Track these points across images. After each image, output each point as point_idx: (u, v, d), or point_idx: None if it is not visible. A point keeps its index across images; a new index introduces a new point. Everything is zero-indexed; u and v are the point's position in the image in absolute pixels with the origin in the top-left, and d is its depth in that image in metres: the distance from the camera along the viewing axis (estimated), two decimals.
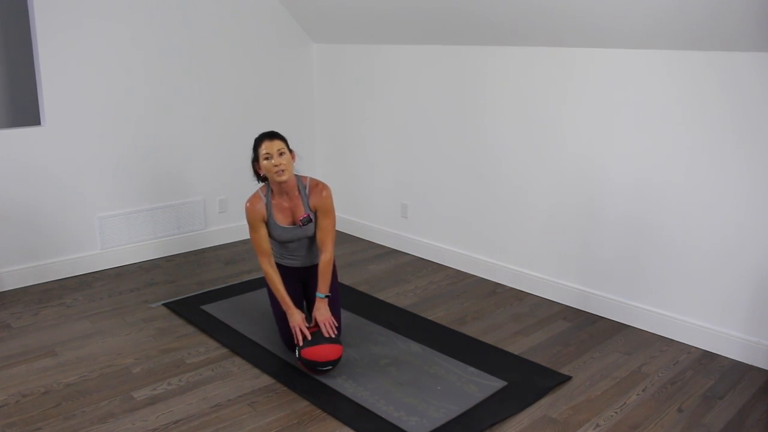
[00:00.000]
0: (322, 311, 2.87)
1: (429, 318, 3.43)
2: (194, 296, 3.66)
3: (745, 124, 2.84)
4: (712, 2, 2.64)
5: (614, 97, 3.25)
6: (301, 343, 2.78)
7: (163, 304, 3.57)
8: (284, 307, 2.88)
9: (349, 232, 4.90)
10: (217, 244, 4.61)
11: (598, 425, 2.50)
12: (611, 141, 3.30)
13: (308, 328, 2.84)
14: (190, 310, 3.48)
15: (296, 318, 2.84)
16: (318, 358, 2.74)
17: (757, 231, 2.89)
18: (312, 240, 3.01)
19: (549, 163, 3.58)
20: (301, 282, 3.09)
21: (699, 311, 3.12)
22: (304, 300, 3.12)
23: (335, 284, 3.04)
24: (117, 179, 4.07)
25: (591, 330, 3.31)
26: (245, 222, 4.70)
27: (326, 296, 2.90)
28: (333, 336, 2.80)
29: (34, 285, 3.83)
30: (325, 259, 2.91)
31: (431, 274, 4.10)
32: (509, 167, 3.77)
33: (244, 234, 4.73)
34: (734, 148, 2.89)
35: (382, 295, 3.74)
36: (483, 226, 3.99)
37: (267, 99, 4.69)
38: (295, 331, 2.82)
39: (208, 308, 3.50)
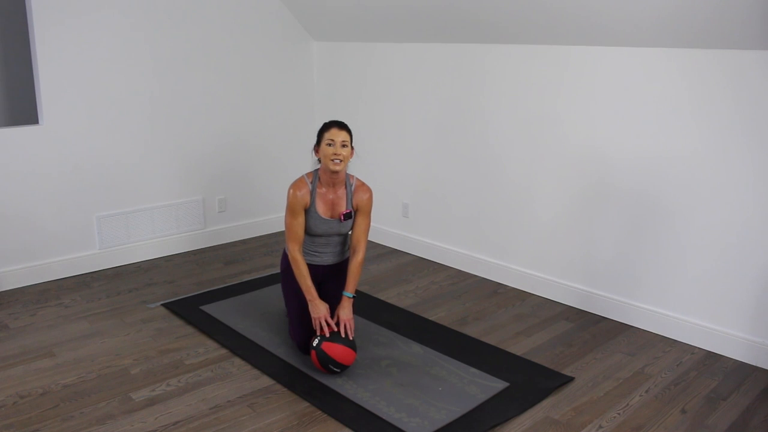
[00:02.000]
0: (346, 311, 2.85)
1: (430, 318, 3.42)
2: (193, 296, 3.64)
3: (751, 124, 2.82)
4: (717, 0, 2.62)
5: (618, 96, 3.23)
6: (327, 334, 2.77)
7: (162, 305, 3.55)
8: (308, 297, 2.85)
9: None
10: (217, 243, 4.59)
11: (600, 427, 2.49)
12: (615, 140, 3.28)
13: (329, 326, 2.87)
14: (189, 310, 3.46)
15: (321, 309, 2.82)
16: (335, 356, 2.73)
17: (762, 230, 2.87)
18: (341, 239, 3.01)
19: (551, 162, 3.56)
20: (317, 283, 3.04)
21: (703, 312, 3.10)
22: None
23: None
24: (115, 178, 4.05)
25: (594, 330, 3.30)
26: (245, 221, 4.70)
27: (353, 296, 2.90)
28: (350, 338, 2.80)
29: (31, 285, 3.81)
30: (358, 259, 2.93)
31: (432, 274, 4.08)
32: (511, 166, 3.75)
33: (244, 234, 4.71)
34: (739, 148, 2.87)
35: (383, 296, 3.72)
36: (485, 226, 3.97)
37: (267, 97, 4.67)
38: (320, 322, 2.80)
39: (208, 309, 3.48)
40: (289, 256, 2.91)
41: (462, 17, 3.62)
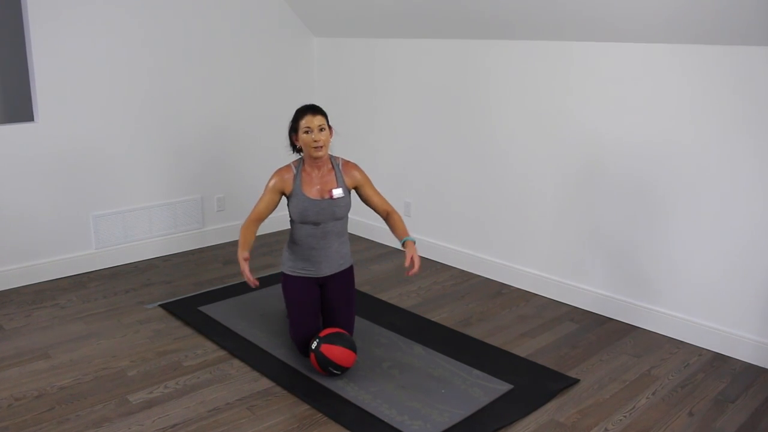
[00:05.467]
0: (413, 250, 2.79)
1: (433, 319, 3.39)
2: (192, 297, 3.61)
3: (759, 121, 2.79)
4: None
5: (624, 93, 3.20)
6: (252, 283, 2.70)
7: (160, 305, 3.51)
8: (239, 250, 2.75)
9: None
10: (215, 243, 4.55)
11: (606, 429, 2.46)
12: (621, 138, 3.25)
13: (328, 327, 2.84)
14: (188, 311, 3.42)
15: (243, 265, 2.71)
16: (334, 358, 2.70)
17: None
18: (339, 229, 2.91)
19: (556, 161, 3.52)
20: (318, 285, 2.97)
21: (710, 312, 3.07)
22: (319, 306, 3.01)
23: (353, 288, 3.01)
24: (112, 177, 4.01)
25: (599, 332, 3.27)
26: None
27: (414, 238, 2.88)
28: (417, 270, 2.75)
29: (27, 285, 3.77)
30: (396, 215, 2.95)
31: (435, 274, 4.05)
32: (515, 164, 3.72)
33: None
34: (747, 146, 2.84)
35: (384, 296, 3.69)
36: (488, 225, 3.93)
37: (267, 93, 4.63)
38: (244, 273, 2.69)
39: (206, 309, 3.44)
40: (243, 225, 2.86)
41: (465, 13, 3.59)
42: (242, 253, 2.73)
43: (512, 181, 3.75)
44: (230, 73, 4.41)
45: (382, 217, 2.99)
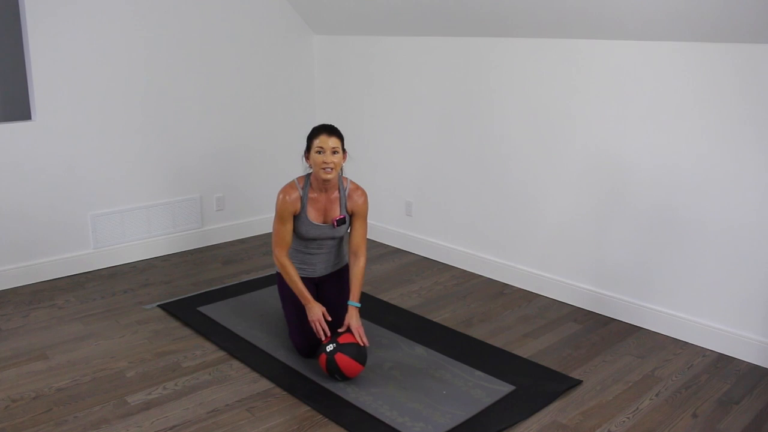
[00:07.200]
0: (355, 319, 2.80)
1: (434, 320, 3.37)
2: (191, 297, 3.59)
3: (764, 120, 2.76)
4: None
5: (628, 91, 3.18)
6: (323, 339, 2.74)
7: (159, 306, 3.50)
8: (303, 301, 2.83)
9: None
10: (215, 243, 4.53)
11: (609, 431, 2.44)
12: (624, 137, 3.23)
13: (339, 335, 2.76)
14: (187, 311, 3.41)
15: (316, 312, 2.79)
16: (344, 367, 2.67)
17: None
18: (335, 242, 2.97)
19: (559, 160, 3.50)
20: (314, 285, 3.02)
21: (714, 313, 3.05)
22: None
23: (348, 285, 2.99)
24: (110, 176, 3.99)
25: (602, 332, 3.25)
26: (244, 220, 4.63)
27: (359, 305, 2.86)
28: (366, 344, 2.75)
29: (24, 285, 3.76)
30: (361, 265, 2.89)
31: (437, 274, 4.03)
32: (517, 163, 3.70)
33: (243, 233, 4.66)
34: (752, 145, 2.82)
35: (385, 296, 3.67)
36: (490, 225, 3.91)
37: (267, 92, 4.61)
38: (316, 327, 2.77)
39: (205, 310, 3.42)
40: (276, 262, 2.87)
41: (467, 10, 3.57)
42: (318, 306, 2.80)
43: (514, 180, 3.73)
44: (229, 70, 4.39)
45: (350, 251, 2.96)
